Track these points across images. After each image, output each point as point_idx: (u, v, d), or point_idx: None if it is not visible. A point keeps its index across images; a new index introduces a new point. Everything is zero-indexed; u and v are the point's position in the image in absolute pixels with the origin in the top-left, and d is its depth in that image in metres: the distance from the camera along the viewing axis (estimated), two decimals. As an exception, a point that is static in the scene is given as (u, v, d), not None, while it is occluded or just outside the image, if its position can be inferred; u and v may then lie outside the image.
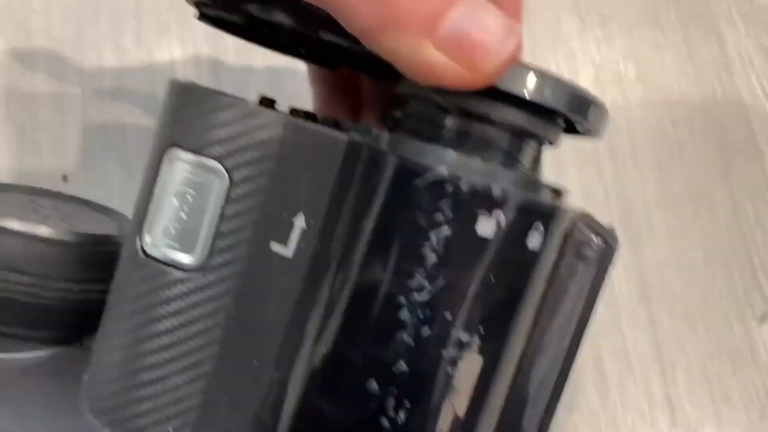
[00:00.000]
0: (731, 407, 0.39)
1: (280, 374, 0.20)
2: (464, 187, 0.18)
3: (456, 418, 0.19)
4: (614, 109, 0.42)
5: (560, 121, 0.20)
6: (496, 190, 0.18)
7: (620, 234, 0.20)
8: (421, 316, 0.18)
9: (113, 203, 0.32)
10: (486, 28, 0.17)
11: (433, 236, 0.18)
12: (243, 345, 0.21)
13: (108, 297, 0.22)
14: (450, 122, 0.20)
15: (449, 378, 0.18)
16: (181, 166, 0.20)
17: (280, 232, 0.20)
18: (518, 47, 0.18)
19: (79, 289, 0.24)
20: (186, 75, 0.39)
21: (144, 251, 0.21)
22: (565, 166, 0.41)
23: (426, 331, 0.18)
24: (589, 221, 0.19)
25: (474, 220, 0.18)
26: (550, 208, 0.19)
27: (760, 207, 0.41)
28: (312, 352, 0.19)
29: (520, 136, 0.20)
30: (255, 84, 0.40)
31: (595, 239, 0.19)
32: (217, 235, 0.20)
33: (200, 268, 0.20)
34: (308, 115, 0.21)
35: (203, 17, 0.26)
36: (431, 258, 0.18)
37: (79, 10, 0.39)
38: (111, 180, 0.37)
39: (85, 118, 0.38)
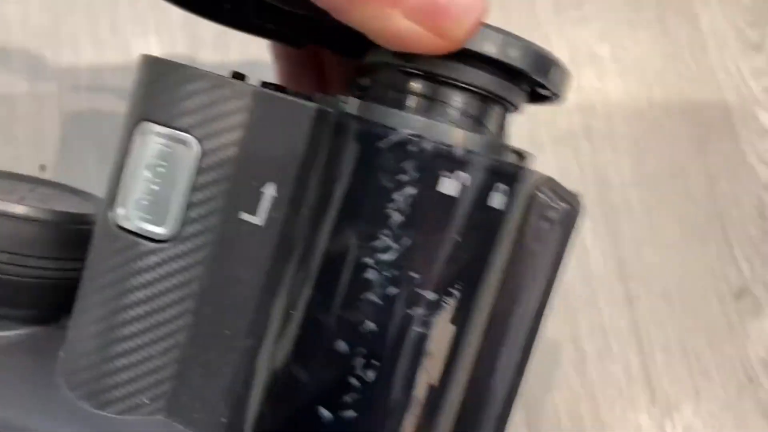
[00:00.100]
0: (709, 383, 0.39)
1: (252, 342, 0.20)
2: (427, 146, 0.18)
3: (426, 377, 0.19)
4: (590, 90, 0.43)
5: (524, 86, 0.21)
6: (459, 150, 0.18)
7: (597, 212, 0.20)
8: (389, 275, 0.18)
9: (90, 191, 0.32)
10: None
11: (398, 197, 0.18)
12: (216, 315, 0.21)
13: (83, 272, 0.22)
14: (415, 87, 0.20)
15: (416, 337, 0.19)
16: (152, 138, 0.20)
17: (251, 201, 0.20)
18: (484, 10, 0.18)
19: (56, 267, 0.24)
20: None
21: (117, 224, 0.21)
22: (541, 145, 0.41)
23: (392, 290, 0.18)
24: (553, 185, 0.20)
25: (437, 180, 0.18)
26: (514, 169, 0.19)
27: (735, 184, 0.42)
28: (283, 318, 0.20)
29: (485, 100, 0.20)
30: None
31: (560, 202, 0.20)
32: (189, 205, 0.20)
33: (172, 239, 0.20)
34: (279, 88, 0.21)
35: None
36: (397, 218, 0.18)
37: (55, 0, 0.39)
38: (88, 169, 0.38)
39: (62, 108, 0.38)
